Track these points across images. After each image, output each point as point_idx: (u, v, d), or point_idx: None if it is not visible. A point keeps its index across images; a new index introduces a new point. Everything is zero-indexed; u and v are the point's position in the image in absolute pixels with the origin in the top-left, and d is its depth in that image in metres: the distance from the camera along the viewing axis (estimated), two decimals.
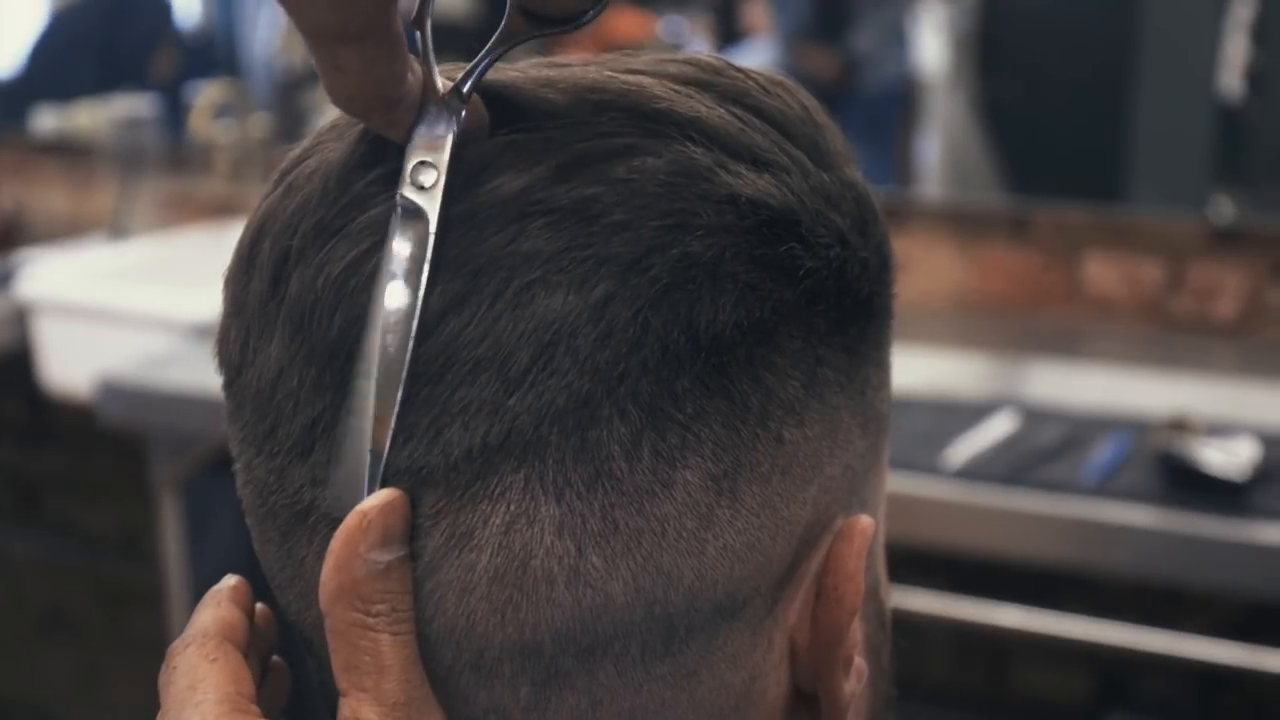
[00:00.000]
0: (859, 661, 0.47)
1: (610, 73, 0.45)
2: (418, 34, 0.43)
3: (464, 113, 0.42)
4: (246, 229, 0.45)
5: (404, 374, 0.40)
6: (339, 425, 0.41)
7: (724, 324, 0.41)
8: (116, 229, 2.81)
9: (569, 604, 0.41)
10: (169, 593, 2.23)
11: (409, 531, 0.40)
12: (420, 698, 0.41)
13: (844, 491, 0.46)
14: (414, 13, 0.43)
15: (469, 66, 0.43)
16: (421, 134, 0.42)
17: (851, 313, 0.45)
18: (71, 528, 2.85)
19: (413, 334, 0.40)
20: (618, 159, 0.41)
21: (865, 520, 0.46)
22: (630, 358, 0.40)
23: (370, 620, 0.40)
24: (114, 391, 2.06)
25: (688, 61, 0.46)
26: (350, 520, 0.40)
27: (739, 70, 0.47)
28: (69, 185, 3.05)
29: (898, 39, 2.75)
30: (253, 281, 0.44)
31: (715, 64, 0.46)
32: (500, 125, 0.42)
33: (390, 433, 0.40)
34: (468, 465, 0.40)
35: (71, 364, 2.35)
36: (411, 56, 0.42)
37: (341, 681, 0.40)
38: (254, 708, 0.42)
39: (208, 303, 2.24)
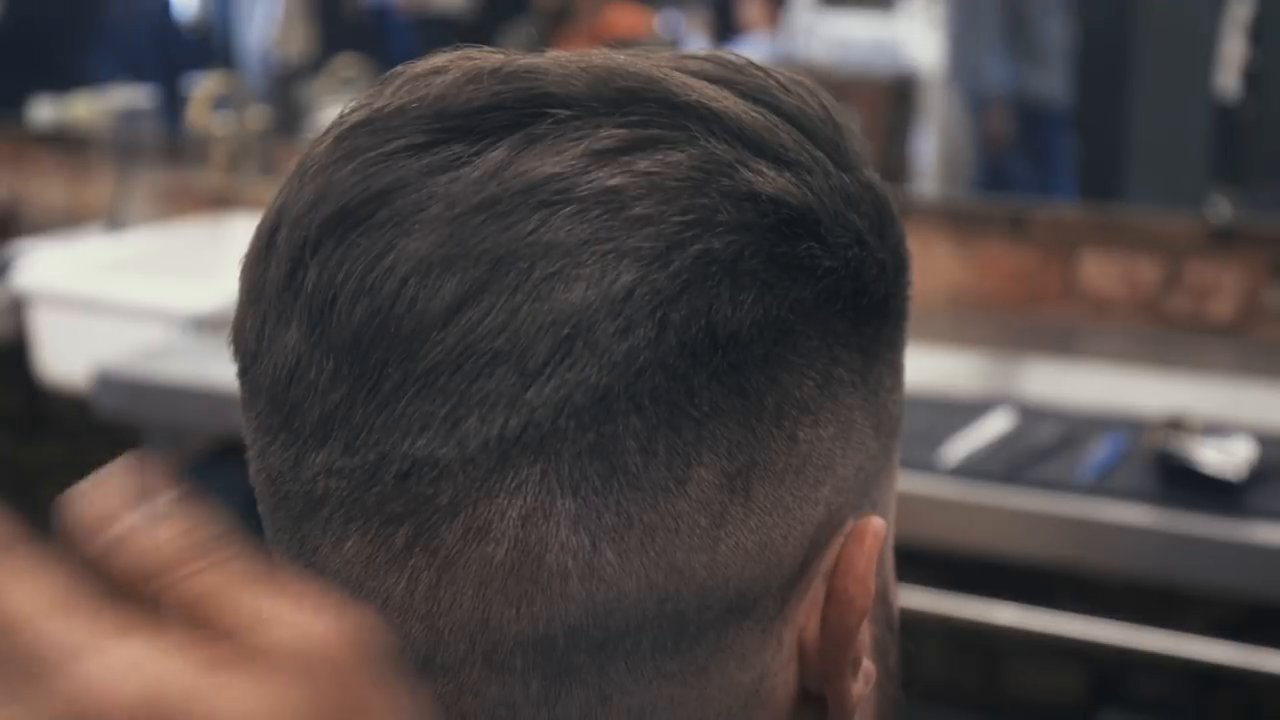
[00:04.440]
0: (867, 664, 0.47)
1: (637, 65, 0.45)
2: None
3: None
4: (266, 214, 0.45)
5: None
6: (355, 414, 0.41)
7: (742, 322, 0.41)
8: (113, 220, 2.81)
9: (583, 599, 0.41)
10: None
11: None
12: None
13: (856, 492, 0.46)
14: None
15: None
16: None
17: (867, 313, 0.45)
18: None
19: None
20: (641, 151, 0.41)
21: (877, 522, 0.46)
22: (648, 353, 0.40)
23: None
24: (110, 383, 2.06)
25: (709, 59, 0.46)
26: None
27: (760, 69, 0.46)
28: (66, 176, 3.04)
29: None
30: (270, 269, 0.43)
31: (737, 62, 0.46)
32: (526, 108, 0.42)
33: None
34: (484, 457, 0.40)
35: (68, 355, 2.35)
36: None
37: None
38: None
39: (205, 294, 2.26)
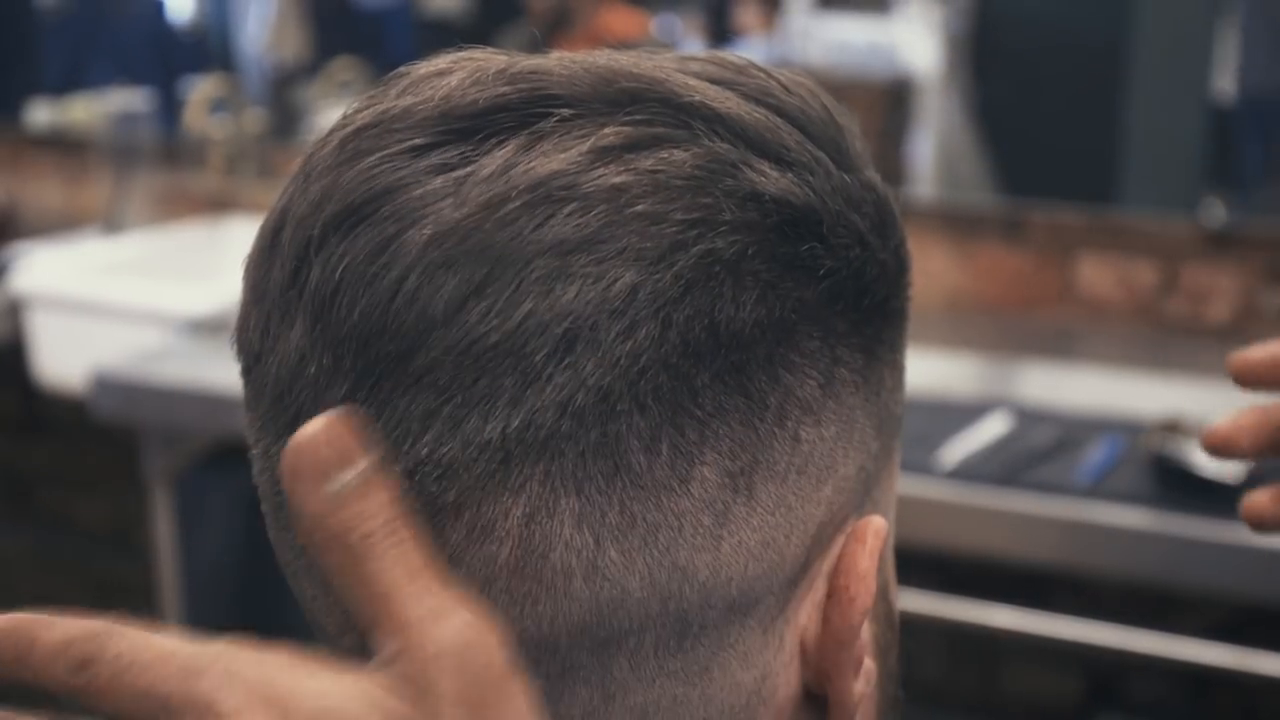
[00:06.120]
0: (868, 663, 0.47)
1: (640, 66, 0.45)
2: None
3: None
4: (269, 215, 0.45)
5: None
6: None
7: (745, 321, 0.41)
8: (111, 223, 2.80)
9: (586, 598, 0.41)
10: (160, 587, 2.23)
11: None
12: None
13: (857, 492, 0.46)
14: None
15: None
16: None
17: (869, 314, 0.45)
18: (63, 521, 2.84)
19: None
20: (645, 150, 0.41)
21: (878, 521, 0.46)
22: (651, 352, 0.40)
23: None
24: (107, 385, 2.05)
25: (711, 60, 0.46)
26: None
27: (762, 70, 0.47)
28: (63, 179, 3.04)
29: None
30: (274, 269, 0.43)
31: (739, 63, 0.47)
32: (531, 109, 0.42)
33: None
34: (487, 456, 0.40)
35: (65, 357, 2.34)
36: None
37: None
38: None
39: (202, 297, 2.25)
